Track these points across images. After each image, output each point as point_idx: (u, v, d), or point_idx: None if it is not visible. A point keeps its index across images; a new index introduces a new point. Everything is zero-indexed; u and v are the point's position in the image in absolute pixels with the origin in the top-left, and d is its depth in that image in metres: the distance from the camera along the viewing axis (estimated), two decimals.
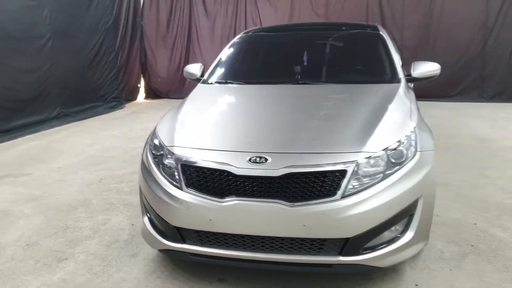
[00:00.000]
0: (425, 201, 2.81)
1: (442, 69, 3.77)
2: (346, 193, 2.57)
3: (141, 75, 11.56)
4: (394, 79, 3.77)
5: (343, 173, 2.59)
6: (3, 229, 3.86)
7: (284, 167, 2.59)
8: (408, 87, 3.88)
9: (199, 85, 4.08)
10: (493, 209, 4.04)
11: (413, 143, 2.87)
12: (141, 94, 11.69)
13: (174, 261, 3.18)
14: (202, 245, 2.76)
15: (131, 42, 10.82)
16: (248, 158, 2.67)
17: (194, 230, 2.75)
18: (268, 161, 2.64)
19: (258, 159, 2.65)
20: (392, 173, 2.70)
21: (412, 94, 3.73)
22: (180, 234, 2.80)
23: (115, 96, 10.15)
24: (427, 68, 3.89)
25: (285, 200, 2.57)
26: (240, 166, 2.65)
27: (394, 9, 10.10)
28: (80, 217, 4.08)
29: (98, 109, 9.56)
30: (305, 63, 4.33)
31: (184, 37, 11.24)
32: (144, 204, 3.08)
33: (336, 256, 2.62)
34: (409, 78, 3.91)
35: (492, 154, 5.78)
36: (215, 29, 11.04)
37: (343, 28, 4.92)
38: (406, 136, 2.86)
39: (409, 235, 2.76)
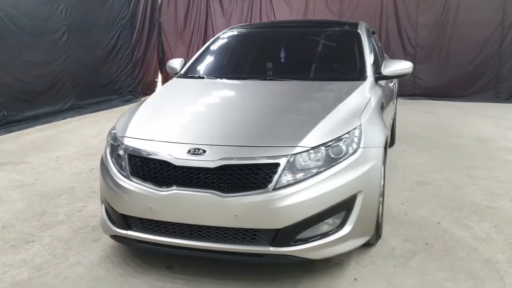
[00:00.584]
0: (365, 197, 2.86)
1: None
2: (277, 186, 2.64)
3: (159, 70, 11.80)
4: (361, 76, 3.78)
5: (275, 166, 2.66)
6: None
7: (220, 159, 2.69)
8: (379, 85, 3.90)
9: (173, 79, 4.21)
10: (465, 209, 4.01)
11: (355, 139, 2.91)
12: (159, 88, 11.94)
13: (130, 248, 3.31)
14: (145, 232, 2.89)
15: (148, 37, 11.07)
16: (187, 150, 2.77)
17: (138, 217, 2.88)
18: (205, 153, 2.73)
19: (196, 150, 2.75)
20: (328, 168, 2.75)
21: (378, 92, 3.75)
22: (126, 221, 2.94)
23: (131, 90, 10.43)
24: (397, 67, 3.89)
25: (219, 191, 2.66)
26: (179, 157, 2.76)
27: (408, 7, 9.97)
28: (60, 203, 4.28)
29: (112, 102, 9.85)
30: (277, 60, 4.40)
31: (201, 33, 11.42)
32: (101, 192, 3.23)
33: (267, 246, 2.69)
34: (379, 76, 3.92)
35: (486, 155, 5.68)
36: (231, 25, 11.13)
37: (323, 26, 4.96)
38: (348, 132, 2.90)
39: (346, 229, 2.81)
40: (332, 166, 2.76)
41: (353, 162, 2.83)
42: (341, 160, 2.80)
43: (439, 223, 3.75)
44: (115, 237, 3.05)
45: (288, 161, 2.68)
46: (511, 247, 3.33)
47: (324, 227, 2.78)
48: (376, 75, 3.91)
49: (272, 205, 2.62)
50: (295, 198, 2.64)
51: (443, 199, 4.23)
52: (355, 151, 2.87)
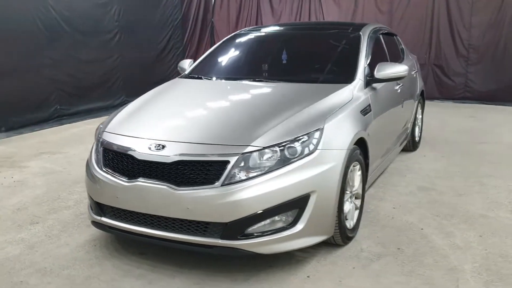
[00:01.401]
0: (319, 197, 2.95)
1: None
2: (226, 182, 2.80)
3: None
4: (348, 79, 3.82)
5: (225, 163, 2.82)
6: (10, 195, 4.58)
7: (175, 155, 2.89)
8: (371, 88, 3.92)
9: (174, 79, 4.46)
10: (456, 217, 3.92)
11: (314, 141, 3.00)
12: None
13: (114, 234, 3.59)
14: (115, 219, 3.16)
15: (200, 37, 11.48)
16: (149, 145, 3.00)
17: (109, 205, 3.15)
18: (164, 149, 2.95)
19: (157, 146, 2.98)
20: (280, 167, 2.86)
21: (366, 95, 3.77)
22: (101, 209, 3.22)
23: None
24: (390, 70, 3.88)
25: (174, 184, 2.87)
26: (141, 151, 2.99)
27: (461, 6, 9.58)
28: (74, 191, 4.68)
29: None
30: (272, 62, 4.52)
31: None
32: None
33: (217, 239, 2.86)
34: (371, 79, 3.93)
35: (510, 163, 5.44)
36: None
37: (328, 28, 5.00)
38: (306, 134, 2.99)
39: (298, 227, 2.92)
40: (284, 166, 2.87)
41: (307, 162, 2.93)
42: (295, 160, 2.91)
43: (422, 229, 3.71)
44: (93, 223, 3.34)
45: (238, 159, 2.83)
46: (486, 257, 3.25)
47: (274, 223, 2.90)
48: (368, 78, 3.93)
49: (220, 200, 2.78)
50: (243, 194, 2.78)
51: (438, 206, 4.16)
52: (311, 152, 2.97)
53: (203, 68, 4.53)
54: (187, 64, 4.69)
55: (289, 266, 3.14)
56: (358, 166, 3.49)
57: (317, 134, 3.03)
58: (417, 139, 5.99)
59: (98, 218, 3.23)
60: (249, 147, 2.87)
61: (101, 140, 3.30)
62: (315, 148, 2.98)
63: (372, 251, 3.35)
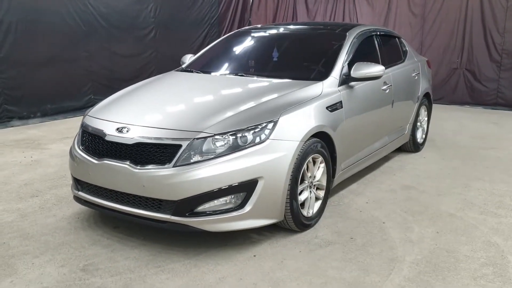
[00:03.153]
0: (267, 183, 3.20)
1: None
2: (178, 164, 3.11)
3: None
4: (322, 77, 4.01)
5: (178, 147, 3.13)
6: (24, 172, 5.10)
7: (136, 137, 3.23)
8: (346, 87, 4.09)
9: (170, 71, 4.82)
10: (424, 214, 4.03)
11: (266, 131, 3.26)
12: None
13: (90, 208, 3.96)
14: (89, 194, 3.54)
15: None
16: (116, 128, 3.36)
17: (84, 181, 3.54)
18: (128, 132, 3.29)
19: (122, 129, 3.33)
20: (230, 153, 3.14)
21: (338, 93, 3.96)
22: (79, 183, 3.62)
23: None
24: (365, 70, 4.04)
25: (134, 164, 3.21)
26: (109, 133, 3.36)
27: (496, 11, 9.36)
28: None
29: None
30: (258, 59, 4.76)
31: None
32: None
33: (169, 215, 3.17)
34: (347, 78, 4.10)
35: (509, 169, 5.39)
36: None
37: (320, 28, 5.18)
38: (259, 124, 3.25)
39: (245, 209, 3.19)
40: (234, 152, 3.14)
41: (258, 150, 3.19)
42: (245, 147, 3.17)
43: (383, 223, 3.86)
44: (74, 197, 3.74)
45: (189, 144, 3.12)
46: (432, 251, 3.37)
47: (223, 204, 3.17)
48: (345, 76, 4.11)
49: (171, 180, 3.09)
50: (192, 175, 3.08)
51: (411, 204, 4.27)
52: (262, 141, 3.22)
53: (197, 62, 4.86)
54: (187, 58, 5.03)
55: (241, 246, 3.40)
56: (320, 159, 3.69)
57: (270, 126, 3.28)
58: (420, 140, 6.03)
59: (76, 192, 3.63)
60: (202, 133, 3.16)
61: (82, 122, 3.70)
62: (267, 138, 3.24)
63: (325, 238, 3.55)
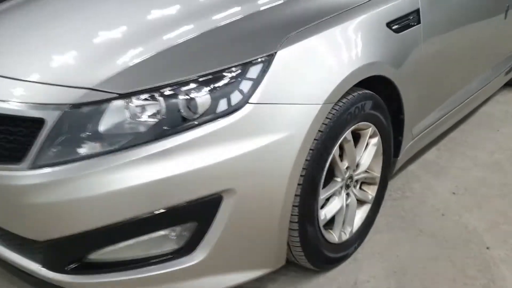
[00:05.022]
0: (243, 201, 1.45)
1: None
2: (41, 162, 1.39)
3: None
4: None
5: (38, 125, 1.40)
6: None
7: None
8: None
9: None
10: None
11: (244, 85, 1.44)
12: None
13: None
14: None
15: None
16: None
17: None
18: None
19: None
20: (158, 140, 1.39)
21: None
22: None
23: None
24: None
25: None
26: None
27: None
28: None
29: None
30: None
31: None
32: None
33: (39, 266, 1.52)
34: None
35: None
36: None
37: None
38: (227, 68, 1.43)
39: (194, 257, 1.48)
40: (168, 136, 1.38)
41: (222, 131, 1.40)
42: (195, 125, 1.39)
43: (487, 248, 2.04)
44: None
45: (63, 117, 1.37)
46: None
47: (147, 245, 1.47)
48: None
49: (24, 197, 1.40)
50: (72, 188, 1.35)
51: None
52: (235, 109, 1.42)
53: None
54: None
55: None
56: (371, 130, 1.86)
57: (253, 71, 1.45)
58: None
59: None
60: (90, 91, 1.39)
61: None
62: (244, 101, 1.42)
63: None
